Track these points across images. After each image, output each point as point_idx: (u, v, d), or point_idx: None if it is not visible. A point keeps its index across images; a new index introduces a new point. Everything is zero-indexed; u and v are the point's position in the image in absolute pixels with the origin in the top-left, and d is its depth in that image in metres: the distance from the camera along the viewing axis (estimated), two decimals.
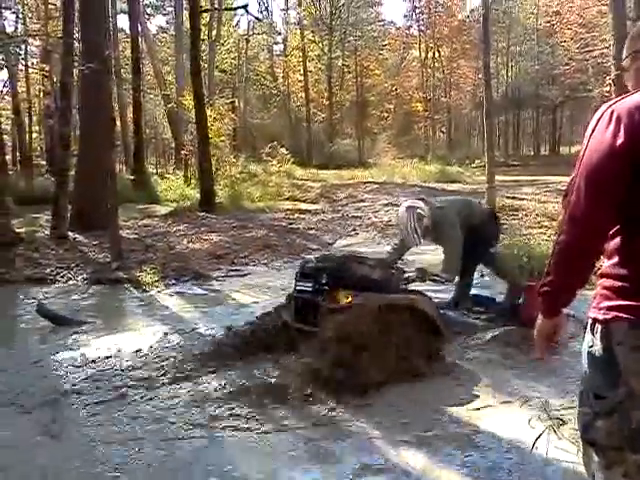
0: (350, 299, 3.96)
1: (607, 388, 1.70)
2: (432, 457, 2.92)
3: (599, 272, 1.74)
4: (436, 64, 31.04)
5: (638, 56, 1.77)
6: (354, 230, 10.10)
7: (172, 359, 4.15)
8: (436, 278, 4.64)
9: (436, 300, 4.88)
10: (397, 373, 3.70)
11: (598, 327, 1.71)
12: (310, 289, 4.14)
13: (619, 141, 1.57)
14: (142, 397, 3.61)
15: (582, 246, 1.70)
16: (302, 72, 29.13)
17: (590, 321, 1.75)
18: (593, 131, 1.67)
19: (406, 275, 4.63)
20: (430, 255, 6.44)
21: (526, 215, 10.44)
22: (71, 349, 4.54)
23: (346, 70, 31.16)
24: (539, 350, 1.94)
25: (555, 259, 1.76)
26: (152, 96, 26.29)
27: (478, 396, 3.61)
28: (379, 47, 33.01)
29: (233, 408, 3.41)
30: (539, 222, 9.77)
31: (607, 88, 17.00)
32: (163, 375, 3.90)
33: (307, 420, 3.28)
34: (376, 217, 11.38)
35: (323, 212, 12.44)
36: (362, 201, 13.63)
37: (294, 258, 7.86)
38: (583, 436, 1.82)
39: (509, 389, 3.70)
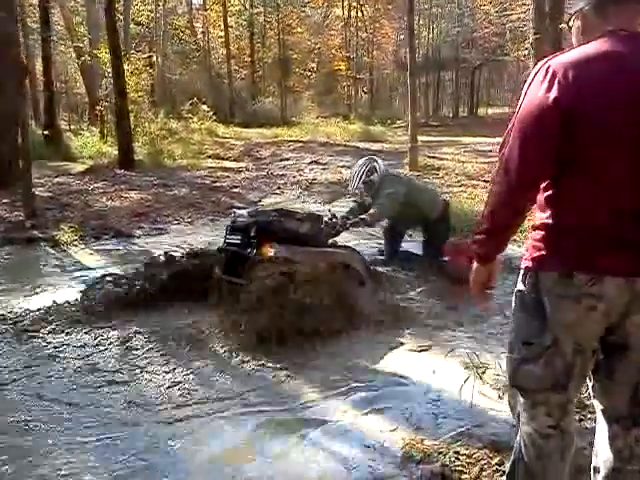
0: (273, 252, 4.03)
1: (535, 335, 1.78)
2: (359, 406, 3.00)
3: (531, 224, 1.80)
4: (359, 23, 30.83)
5: (578, 16, 1.80)
6: (279, 188, 10.01)
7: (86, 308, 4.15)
8: (359, 222, 4.75)
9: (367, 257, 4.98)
10: (321, 326, 3.77)
11: (528, 276, 1.78)
12: (239, 242, 4.18)
13: (552, 95, 1.61)
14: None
15: (513, 196, 1.75)
16: (222, 27, 28.21)
17: (522, 271, 1.82)
18: (530, 85, 1.70)
19: (331, 225, 4.69)
20: None
21: (447, 174, 10.67)
22: None
23: (268, 27, 30.45)
24: (476, 296, 2.00)
25: (489, 208, 1.81)
26: (62, 48, 24.79)
27: (404, 345, 3.72)
28: (301, 4, 32.38)
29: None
30: (459, 181, 10.02)
31: (524, 52, 17.53)
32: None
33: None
34: (301, 175, 11.32)
35: (247, 170, 12.24)
36: (286, 159, 13.50)
37: (219, 216, 7.73)
38: (511, 380, 1.91)
39: (434, 339, 3.83)
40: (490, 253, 1.91)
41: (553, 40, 7.95)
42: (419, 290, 4.57)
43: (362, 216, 4.79)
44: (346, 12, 30.72)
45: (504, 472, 2.38)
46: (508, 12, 18.92)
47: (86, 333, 3.84)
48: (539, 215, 1.77)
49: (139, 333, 3.81)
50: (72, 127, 21.28)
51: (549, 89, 1.62)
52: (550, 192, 1.73)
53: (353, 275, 4.29)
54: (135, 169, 11.55)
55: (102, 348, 3.64)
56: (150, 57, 24.52)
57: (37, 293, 4.79)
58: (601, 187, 1.65)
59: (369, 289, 4.37)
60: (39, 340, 3.77)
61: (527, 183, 1.72)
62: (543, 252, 1.73)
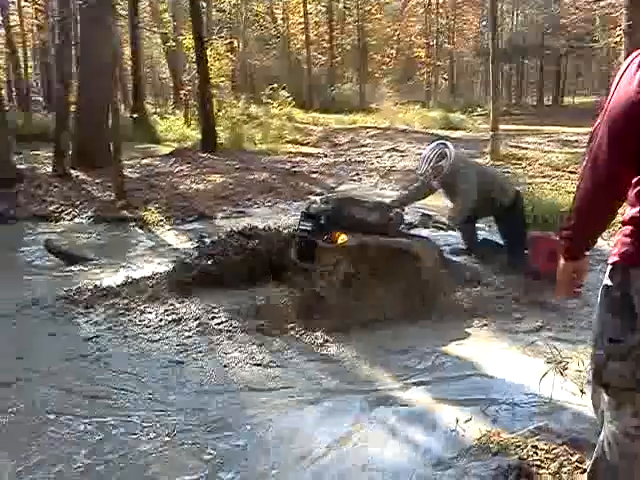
0: (345, 240, 4.08)
1: (623, 332, 1.73)
2: (435, 394, 3.02)
3: (621, 220, 1.76)
4: (440, 10, 30.17)
5: None
6: (357, 175, 10.05)
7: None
8: (439, 225, 4.70)
9: (446, 247, 4.96)
10: (392, 313, 3.85)
11: (617, 272, 1.74)
12: (310, 229, 4.27)
13: None
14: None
15: (601, 192, 1.72)
16: (302, 14, 28.32)
17: (610, 267, 1.78)
18: (621, 77, 1.65)
19: (410, 220, 4.70)
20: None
21: (529, 164, 10.37)
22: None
23: (347, 13, 30.34)
24: (562, 292, 1.98)
25: (577, 204, 1.78)
26: (149, 34, 25.61)
27: (481, 338, 3.70)
28: None
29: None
30: (542, 172, 9.72)
31: (616, 39, 16.67)
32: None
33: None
34: (379, 162, 11.30)
35: (325, 156, 12.34)
36: (364, 146, 13.50)
37: (298, 201, 7.87)
38: (596, 377, 1.88)
39: (512, 333, 3.79)
40: (578, 249, 1.88)
41: None
42: (498, 281, 4.48)
43: (448, 221, 4.75)
44: None
45: (585, 470, 2.35)
46: None
47: (165, 309, 4.04)
48: (629, 211, 1.72)
49: (215, 310, 3.97)
50: (158, 110, 22.02)
51: None
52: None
53: (423, 264, 4.25)
54: (217, 152, 11.87)
55: (181, 324, 3.83)
56: (231, 43, 25.00)
57: (126, 268, 5.07)
58: None
59: (443, 278, 4.34)
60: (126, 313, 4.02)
61: (615, 178, 1.68)
62: (633, 248, 1.69)
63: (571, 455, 2.48)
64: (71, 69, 9.86)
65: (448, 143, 4.81)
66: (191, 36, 13.32)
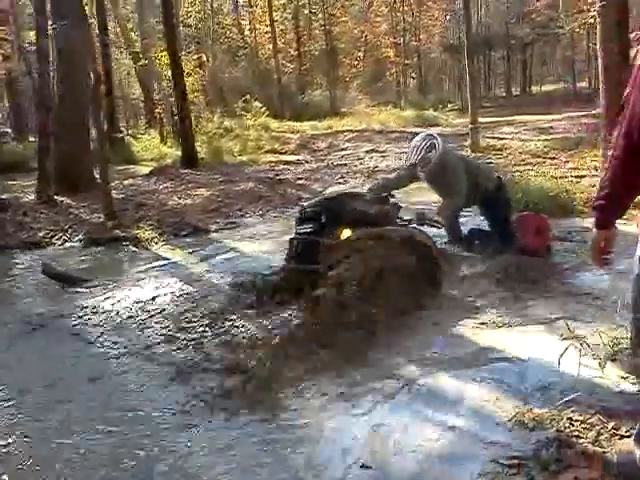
0: (350, 234, 4.09)
1: None
2: (462, 379, 3.05)
3: None
4: (405, 7, 30.46)
5: None
6: (342, 178, 10.11)
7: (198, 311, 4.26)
8: (434, 224, 4.75)
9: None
10: (404, 304, 3.84)
11: None
12: (311, 230, 4.25)
13: None
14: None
15: (634, 160, 1.78)
16: (268, 23, 28.39)
17: None
18: (638, 71, 1.73)
19: (405, 218, 4.74)
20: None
21: (510, 154, 10.54)
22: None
23: (313, 19, 30.51)
24: (595, 261, 2.05)
25: (610, 173, 1.84)
26: (117, 55, 25.49)
27: (493, 323, 3.75)
28: None
29: None
30: (524, 160, 9.89)
31: (580, 23, 17.00)
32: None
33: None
34: (362, 164, 11.39)
35: (307, 162, 12.39)
36: (344, 149, 13.59)
37: (289, 207, 7.90)
38: (637, 339, 1.94)
39: (521, 312, 3.85)
40: (609, 219, 1.94)
41: (619, 7, 7.68)
42: (494, 266, 4.53)
43: (441, 221, 4.80)
44: None
45: (622, 436, 2.41)
46: None
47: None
48: None
49: None
50: (130, 131, 21.91)
51: None
52: None
53: (427, 252, 4.30)
54: (199, 168, 11.85)
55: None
56: (200, 58, 24.99)
57: (131, 287, 5.04)
58: None
59: (444, 267, 4.38)
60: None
61: None
62: None
63: (606, 423, 2.53)
64: (51, 94, 9.77)
65: (436, 134, 4.86)
66: (164, 53, 13.28)
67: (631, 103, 1.74)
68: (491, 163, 9.33)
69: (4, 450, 2.75)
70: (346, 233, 4.11)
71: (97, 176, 9.65)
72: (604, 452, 2.33)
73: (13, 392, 3.31)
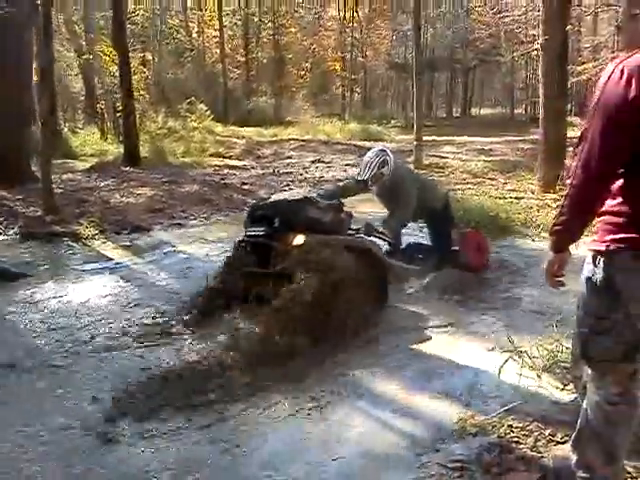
0: (302, 241, 4.02)
1: (606, 311, 1.95)
2: (407, 389, 3.14)
3: (601, 210, 1.94)
4: (354, 24, 30.91)
5: (633, 20, 1.96)
6: (287, 185, 10.14)
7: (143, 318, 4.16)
8: (381, 236, 4.83)
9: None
10: (355, 315, 3.82)
11: (600, 258, 1.93)
12: (262, 233, 4.17)
13: (631, 94, 1.74)
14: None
15: (593, 188, 1.90)
16: (217, 27, 28.22)
17: (592, 253, 1.97)
18: (605, 86, 1.83)
19: (353, 227, 4.79)
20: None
21: (452, 172, 10.86)
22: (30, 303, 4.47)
23: (262, 27, 30.52)
24: (549, 281, 2.17)
25: (568, 201, 1.96)
26: (58, 48, 24.70)
27: (437, 334, 3.86)
28: (295, 4, 32.42)
29: None
30: (464, 179, 10.20)
31: (531, 52, 17.73)
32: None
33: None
34: (307, 173, 11.47)
35: (252, 168, 12.37)
36: (289, 158, 13.63)
37: (234, 211, 7.88)
38: (582, 352, 2.08)
39: (465, 325, 3.99)
40: (565, 243, 2.07)
41: (560, 42, 8.15)
42: (436, 279, 4.70)
43: (388, 234, 4.88)
44: (341, 13, 30.82)
45: (558, 442, 2.56)
46: (502, 14, 19.01)
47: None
48: (610, 202, 1.91)
49: None
50: (68, 125, 21.22)
51: (627, 89, 1.75)
52: (620, 180, 1.88)
53: (378, 263, 4.34)
54: (141, 167, 11.61)
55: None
56: (144, 56, 24.57)
57: (74, 283, 4.92)
58: None
59: (392, 280, 4.43)
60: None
61: (606, 175, 1.87)
62: (617, 235, 1.88)
63: (543, 430, 2.68)
64: None
65: (388, 151, 4.90)
66: (110, 49, 12.99)
67: (590, 136, 1.86)
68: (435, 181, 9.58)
69: None
70: (299, 239, 4.03)
71: (34, 169, 9.37)
72: (541, 457, 2.47)
73: None
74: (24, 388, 3.19)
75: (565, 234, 2.03)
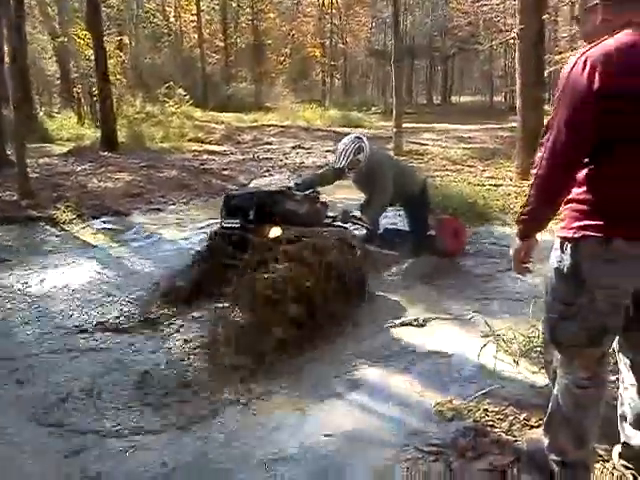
0: (279, 233, 4.01)
1: (573, 296, 1.97)
2: (383, 370, 3.19)
3: (567, 198, 1.97)
4: (333, 10, 30.79)
5: (593, 10, 1.98)
6: (267, 171, 10.11)
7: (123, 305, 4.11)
8: (358, 222, 4.85)
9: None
10: (336, 304, 3.81)
11: (567, 245, 1.95)
12: (237, 225, 4.17)
13: (595, 85, 1.77)
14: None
15: (559, 177, 1.93)
16: (194, 12, 27.89)
17: (559, 240, 2.00)
18: (569, 76, 1.86)
19: (330, 214, 4.80)
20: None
21: (431, 159, 10.89)
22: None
23: (241, 12, 30.25)
24: (516, 268, 2.21)
25: (534, 190, 1.99)
26: (30, 29, 24.21)
27: (414, 320, 3.88)
28: None
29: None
30: (444, 165, 10.24)
31: (497, 42, 17.83)
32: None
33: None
34: (287, 159, 11.43)
35: (232, 154, 12.29)
36: (269, 144, 13.57)
37: (213, 197, 7.82)
38: (551, 337, 2.12)
39: (443, 310, 4.01)
40: (532, 231, 2.10)
41: (536, 31, 8.20)
42: (414, 264, 4.72)
43: (365, 219, 4.88)
44: None
45: (532, 426, 2.60)
46: (481, 3, 19.06)
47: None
48: (576, 189, 1.94)
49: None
50: (43, 109, 20.85)
51: (590, 79, 1.78)
52: (586, 169, 1.91)
53: (355, 253, 4.29)
54: (119, 151, 11.49)
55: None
56: (121, 40, 24.19)
57: (53, 268, 4.87)
58: (636, 163, 1.84)
59: (368, 262, 4.43)
60: None
61: (573, 164, 1.90)
62: (583, 222, 1.91)
63: (518, 414, 2.71)
64: None
65: (363, 137, 4.92)
66: (85, 32, 12.77)
67: (555, 126, 1.89)
68: (412, 166, 9.60)
69: None
70: (275, 232, 4.03)
71: (9, 153, 9.21)
72: (515, 441, 2.51)
73: None
74: None
75: (531, 223, 2.06)
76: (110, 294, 4.27)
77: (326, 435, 2.60)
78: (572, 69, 1.84)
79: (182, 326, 3.70)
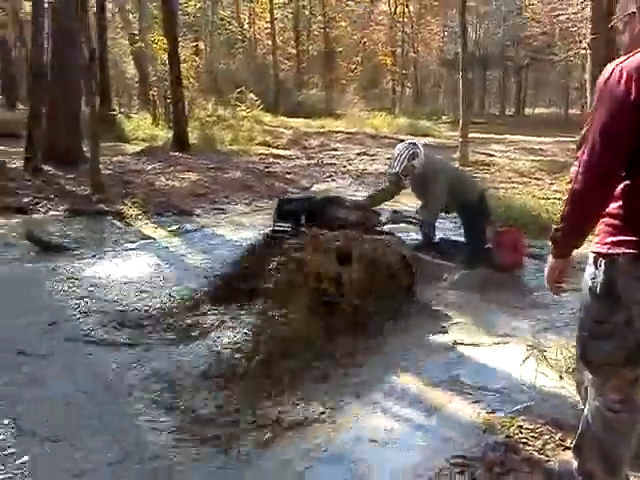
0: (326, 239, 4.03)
1: (608, 314, 1.90)
2: (421, 379, 3.18)
3: (604, 212, 1.91)
4: (405, 19, 30.66)
5: (631, 20, 1.92)
6: (330, 176, 10.21)
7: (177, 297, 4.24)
8: (411, 219, 4.82)
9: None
10: (379, 314, 3.84)
11: (602, 261, 1.89)
12: (289, 229, 4.26)
13: (632, 96, 1.73)
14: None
15: (595, 193, 1.86)
16: (268, 19, 28.45)
17: (593, 255, 1.94)
18: (604, 87, 1.82)
19: (380, 217, 4.81)
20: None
21: (498, 171, 10.70)
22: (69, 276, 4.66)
23: (313, 20, 30.62)
24: (550, 287, 2.14)
25: (569, 206, 1.92)
26: (112, 35, 25.34)
27: (460, 331, 3.84)
28: None
29: None
30: (510, 177, 10.05)
31: (574, 52, 17.30)
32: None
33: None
34: (351, 165, 11.50)
35: (297, 158, 12.48)
36: (335, 150, 13.68)
37: (275, 199, 7.95)
38: (582, 356, 2.05)
39: (489, 323, 3.95)
40: (567, 249, 2.02)
41: (607, 41, 7.96)
42: (466, 275, 4.64)
43: (418, 216, 4.87)
44: (392, 8, 30.62)
45: (567, 447, 2.51)
46: (557, 12, 18.53)
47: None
48: (613, 204, 1.88)
49: None
50: (122, 110, 21.73)
51: (627, 90, 1.74)
52: (625, 183, 1.86)
53: (404, 261, 4.28)
54: (189, 152, 11.87)
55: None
56: (197, 46, 24.97)
57: (112, 259, 5.13)
58: None
59: (417, 273, 4.37)
60: None
61: (610, 176, 1.84)
62: (618, 237, 1.86)
63: (554, 434, 2.63)
64: (44, 65, 9.72)
65: (418, 143, 4.92)
66: (162, 37, 13.29)
67: (591, 138, 1.84)
68: (477, 177, 9.49)
69: None
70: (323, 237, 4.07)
71: (86, 149, 9.68)
72: (547, 461, 2.44)
73: None
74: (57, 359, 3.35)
75: (567, 240, 1.99)
76: (160, 286, 4.44)
77: (357, 438, 2.63)
78: (608, 79, 1.81)
79: (225, 322, 3.77)
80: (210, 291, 4.15)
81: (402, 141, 5.34)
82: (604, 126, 1.80)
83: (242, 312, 3.74)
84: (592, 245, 1.96)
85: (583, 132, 1.92)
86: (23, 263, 5.06)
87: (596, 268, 1.93)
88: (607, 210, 1.90)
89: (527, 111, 37.25)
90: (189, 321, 3.79)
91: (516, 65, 32.09)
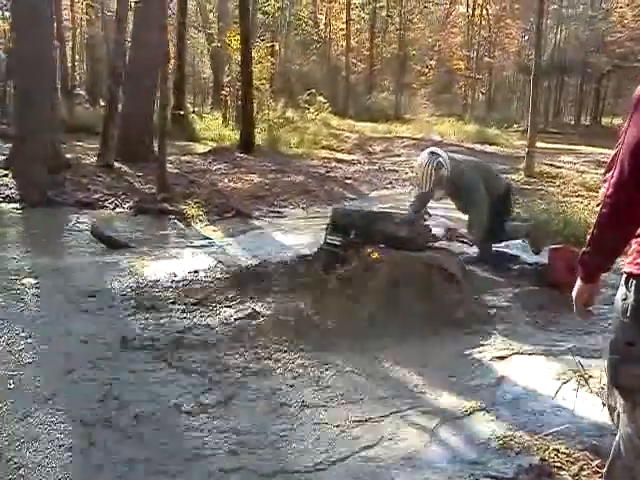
0: (377, 256, 4.13)
1: (638, 336, 1.82)
2: (457, 396, 3.14)
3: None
4: (482, 22, 30.08)
5: None
6: (390, 183, 10.20)
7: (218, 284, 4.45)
8: (464, 239, 4.79)
9: (463, 255, 5.06)
10: (423, 325, 3.88)
11: (633, 281, 1.81)
12: (339, 243, 4.37)
13: None
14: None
15: (624, 216, 1.78)
16: (344, 20, 28.59)
17: (625, 276, 1.85)
18: (637, 104, 1.73)
19: (434, 233, 4.78)
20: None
21: (564, 183, 10.37)
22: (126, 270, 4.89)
23: (390, 22, 30.51)
24: (579, 313, 2.08)
25: (598, 229, 1.85)
26: (192, 34, 26.10)
27: (504, 348, 3.79)
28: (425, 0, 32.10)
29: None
30: (576, 191, 9.72)
31: None
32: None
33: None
34: (412, 172, 11.41)
35: (359, 163, 12.52)
36: (398, 156, 13.63)
37: (333, 204, 8.03)
38: (612, 380, 1.98)
39: (534, 343, 3.87)
40: (595, 273, 1.96)
41: None
42: (517, 291, 4.60)
43: (470, 237, 4.85)
44: (470, 10, 30.15)
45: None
46: None
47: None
48: None
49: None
50: (196, 109, 22.34)
51: None
52: None
53: (449, 277, 4.29)
54: (254, 153, 12.12)
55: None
56: (273, 46, 25.39)
57: (169, 259, 5.32)
58: None
59: (465, 290, 4.39)
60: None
61: (635, 203, 1.75)
62: None
63: (591, 460, 2.57)
64: (123, 65, 10.15)
65: (439, 151, 4.83)
66: (237, 38, 13.58)
67: (620, 158, 1.77)
68: (542, 190, 9.26)
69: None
70: (374, 255, 4.17)
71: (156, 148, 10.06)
72: None
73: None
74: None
75: (594, 265, 1.93)
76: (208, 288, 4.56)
77: (383, 447, 2.65)
78: None
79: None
80: None
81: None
82: (635, 147, 1.72)
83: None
84: (624, 265, 1.90)
85: (613, 152, 1.83)
86: (89, 256, 5.32)
87: (627, 289, 1.85)
88: (639, 231, 1.83)
89: (604, 121, 35.81)
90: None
91: (597, 72, 30.88)
